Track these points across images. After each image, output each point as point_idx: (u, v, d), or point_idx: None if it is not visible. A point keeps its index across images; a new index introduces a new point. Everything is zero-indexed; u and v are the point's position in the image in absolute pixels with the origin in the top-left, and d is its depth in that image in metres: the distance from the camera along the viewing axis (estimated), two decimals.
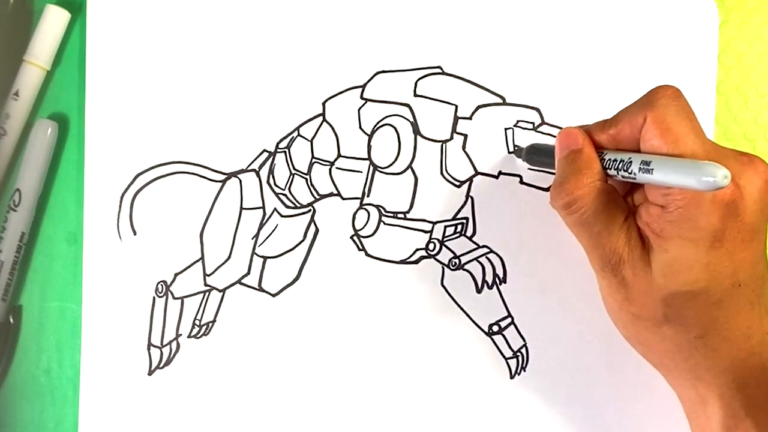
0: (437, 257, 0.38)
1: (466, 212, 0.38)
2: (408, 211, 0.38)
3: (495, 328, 0.38)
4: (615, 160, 0.29)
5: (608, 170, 0.29)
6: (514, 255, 0.38)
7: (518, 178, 0.38)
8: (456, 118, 0.38)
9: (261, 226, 0.40)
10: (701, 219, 0.26)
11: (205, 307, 0.40)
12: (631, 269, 0.29)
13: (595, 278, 0.32)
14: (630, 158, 0.28)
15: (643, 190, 0.30)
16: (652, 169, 0.27)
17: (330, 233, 0.39)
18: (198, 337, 0.40)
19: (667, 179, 0.26)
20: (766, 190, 0.27)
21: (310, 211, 0.39)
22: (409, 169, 0.38)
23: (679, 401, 0.32)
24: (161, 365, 0.40)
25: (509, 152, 0.38)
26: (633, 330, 0.31)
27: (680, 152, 0.27)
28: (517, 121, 0.38)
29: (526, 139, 0.38)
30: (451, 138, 0.38)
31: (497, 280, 0.38)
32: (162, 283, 0.40)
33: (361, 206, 0.39)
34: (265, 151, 0.40)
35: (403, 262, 0.39)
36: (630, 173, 0.28)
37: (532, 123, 0.38)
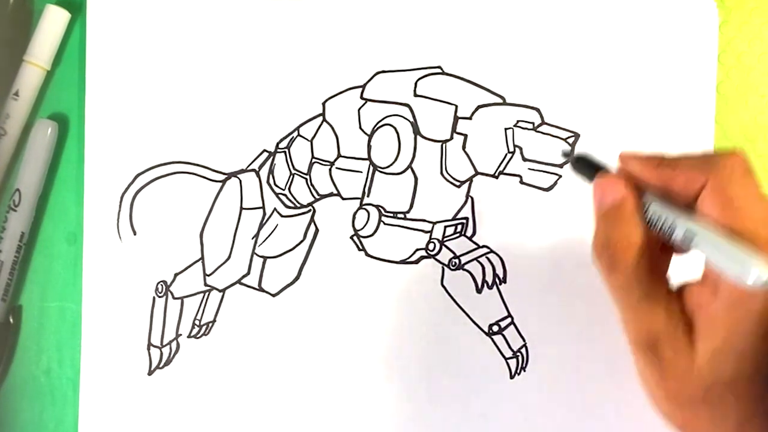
0: (437, 257, 0.38)
1: (466, 212, 0.38)
2: (408, 211, 0.38)
3: (495, 328, 0.38)
4: (659, 218, 0.26)
5: (650, 225, 0.26)
6: (514, 255, 0.38)
7: (518, 178, 0.38)
8: (456, 118, 0.38)
9: (261, 226, 0.40)
10: (755, 308, 0.24)
11: (205, 307, 0.40)
12: (672, 350, 0.26)
13: (611, 305, 0.29)
14: (674, 224, 0.25)
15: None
16: (697, 243, 0.24)
17: (330, 233, 0.39)
18: (198, 337, 0.40)
19: (711, 257, 0.24)
20: None
21: (310, 211, 0.39)
22: (409, 169, 0.38)
23: None
24: (161, 365, 0.40)
25: (563, 156, 0.36)
26: (668, 406, 0.28)
27: (736, 230, 0.24)
28: (517, 121, 0.38)
29: (526, 139, 0.38)
30: (451, 138, 0.38)
31: (497, 280, 0.38)
32: (162, 283, 0.40)
33: (361, 206, 0.39)
34: (265, 151, 0.40)
35: (403, 262, 0.39)
36: (670, 236, 0.25)
37: (532, 123, 0.38)
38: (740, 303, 0.24)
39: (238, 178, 0.40)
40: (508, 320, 0.38)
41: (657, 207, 0.26)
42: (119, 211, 0.40)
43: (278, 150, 0.39)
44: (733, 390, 0.26)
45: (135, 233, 0.40)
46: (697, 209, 0.26)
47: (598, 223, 0.28)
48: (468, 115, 0.38)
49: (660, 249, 0.28)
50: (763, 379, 0.26)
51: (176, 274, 0.40)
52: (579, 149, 0.30)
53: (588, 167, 0.30)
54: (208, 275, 0.40)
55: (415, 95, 0.38)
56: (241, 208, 0.40)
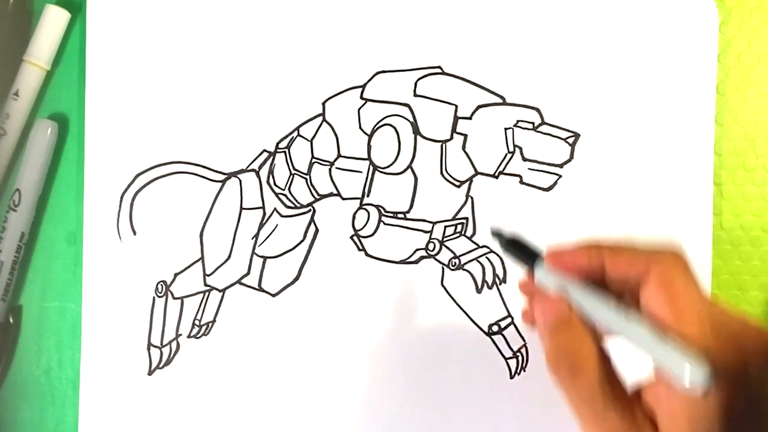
0: (437, 257, 0.38)
1: (466, 212, 0.38)
2: (408, 211, 0.38)
3: (495, 328, 0.38)
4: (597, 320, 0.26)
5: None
6: None
7: (518, 178, 0.38)
8: (456, 118, 0.38)
9: (261, 226, 0.40)
10: (715, 399, 0.24)
11: (204, 307, 0.40)
12: None
13: None
14: (612, 323, 0.25)
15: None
16: (639, 345, 0.24)
17: (330, 233, 0.39)
18: (198, 337, 0.40)
19: (654, 357, 0.24)
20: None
21: (310, 211, 0.39)
22: (409, 169, 0.38)
23: None
24: (161, 365, 0.40)
25: (493, 236, 0.32)
26: None
27: (682, 326, 0.24)
28: (517, 121, 0.38)
29: (526, 139, 0.38)
30: (451, 138, 0.38)
31: (497, 280, 0.38)
32: (162, 283, 0.40)
33: (361, 206, 0.39)
34: (265, 151, 0.40)
35: (403, 262, 0.39)
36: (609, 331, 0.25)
37: (532, 123, 0.38)
38: (697, 399, 0.24)
39: (238, 178, 0.40)
40: (508, 320, 0.38)
41: (593, 306, 0.26)
42: (119, 211, 0.40)
43: (278, 150, 0.39)
44: None
45: (135, 233, 0.40)
46: (641, 301, 0.25)
47: (548, 339, 0.27)
48: (468, 115, 0.38)
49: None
50: None
51: (176, 274, 0.40)
52: (509, 231, 0.30)
53: (521, 251, 0.29)
54: (208, 275, 0.40)
55: (415, 95, 0.38)
56: (241, 208, 0.40)
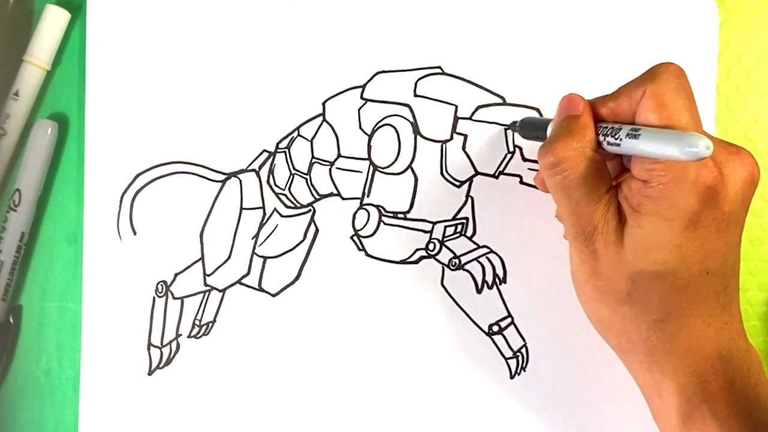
0: (437, 257, 0.38)
1: (466, 212, 0.38)
2: (408, 211, 0.38)
3: (495, 328, 0.38)
4: (605, 127, 0.28)
5: (598, 137, 0.29)
6: (514, 255, 0.38)
7: (518, 178, 0.38)
8: (456, 118, 0.38)
9: (261, 226, 0.40)
10: (680, 199, 0.26)
11: (205, 307, 0.40)
12: (604, 242, 0.28)
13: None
14: (620, 127, 0.28)
15: (630, 168, 0.30)
16: (639, 135, 0.26)
17: (330, 233, 0.39)
18: (198, 337, 0.40)
19: (651, 148, 0.26)
20: (749, 182, 0.27)
21: (310, 211, 0.39)
22: (409, 169, 0.38)
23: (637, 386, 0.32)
24: (161, 365, 0.40)
25: (506, 129, 0.38)
26: (595, 305, 0.30)
27: (671, 127, 0.27)
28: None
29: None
30: (451, 138, 0.38)
31: (497, 280, 0.38)
32: (162, 283, 0.40)
33: (361, 206, 0.39)
34: (265, 151, 0.40)
35: (403, 262, 0.39)
36: (617, 139, 0.27)
37: None
38: (666, 194, 0.26)
39: (238, 178, 0.40)
40: (508, 320, 0.38)
41: (605, 124, 0.29)
42: (119, 211, 0.40)
43: (278, 150, 0.39)
44: (657, 284, 0.28)
45: (135, 233, 0.40)
46: (637, 115, 0.28)
47: (552, 127, 0.31)
48: (468, 115, 0.38)
49: (608, 161, 0.30)
50: (687, 274, 0.27)
51: (176, 274, 0.40)
52: (521, 119, 0.36)
53: (535, 128, 0.33)
54: (208, 275, 0.40)
55: (415, 95, 0.38)
56: (241, 208, 0.40)
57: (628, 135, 0.27)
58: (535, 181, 0.36)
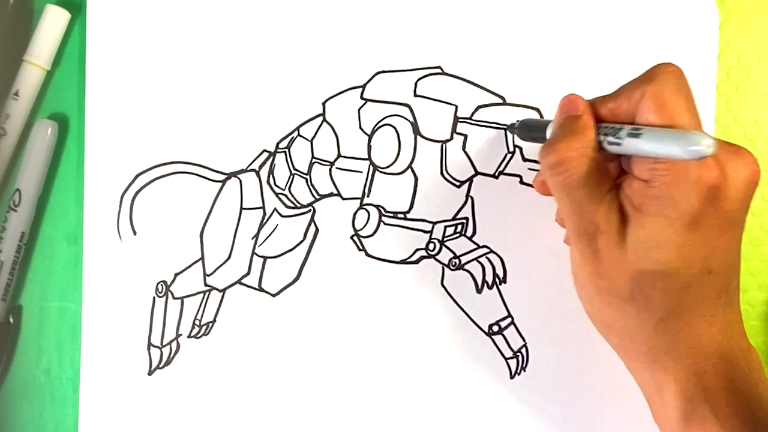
0: (437, 257, 0.38)
1: (466, 212, 0.38)
2: (408, 211, 0.38)
3: (495, 328, 0.38)
4: (606, 127, 0.28)
5: (599, 137, 0.29)
6: (514, 255, 0.38)
7: (518, 178, 0.38)
8: (456, 118, 0.38)
9: (261, 226, 0.40)
10: (682, 198, 0.26)
11: (205, 307, 0.40)
12: (606, 241, 0.28)
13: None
14: (621, 126, 0.28)
15: (631, 168, 0.30)
16: (640, 134, 0.26)
17: (330, 233, 0.39)
18: (198, 337, 0.40)
19: (653, 147, 0.25)
20: (751, 181, 0.27)
21: (310, 211, 0.39)
22: (409, 169, 0.38)
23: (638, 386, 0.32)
24: (161, 365, 0.40)
25: (505, 130, 0.38)
26: (597, 305, 0.30)
27: (672, 127, 0.26)
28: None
29: None
30: (451, 138, 0.38)
31: (497, 280, 0.38)
32: (162, 283, 0.40)
33: (361, 206, 0.39)
34: (265, 151, 0.40)
35: (403, 262, 0.39)
36: (618, 139, 0.27)
37: None
38: (667, 193, 0.27)
39: (238, 178, 0.40)
40: (508, 320, 0.38)
41: (606, 124, 0.29)
42: (119, 211, 0.40)
43: (278, 150, 0.39)
44: (659, 283, 0.28)
45: (135, 233, 0.40)
46: (637, 115, 0.28)
47: (553, 127, 0.30)
48: (468, 115, 0.38)
49: (608, 162, 0.30)
50: (689, 273, 0.27)
51: (176, 274, 0.40)
52: (519, 121, 0.36)
53: (534, 129, 0.33)
54: (208, 275, 0.40)
55: (415, 95, 0.38)
56: (241, 208, 0.40)
57: (629, 134, 0.27)
58: (534, 183, 0.36)
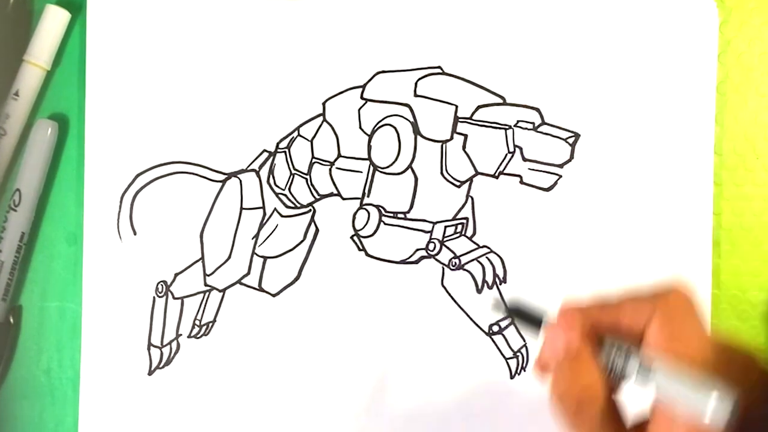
0: (437, 257, 0.38)
1: (466, 212, 0.38)
2: (408, 211, 0.38)
3: (495, 328, 0.38)
4: (611, 347, 0.26)
5: (602, 355, 0.26)
6: (514, 255, 0.38)
7: (518, 178, 0.38)
8: (456, 118, 0.38)
9: (261, 226, 0.40)
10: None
11: (205, 307, 0.40)
12: None
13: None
14: (628, 363, 0.25)
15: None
16: (650, 375, 0.24)
17: (330, 233, 0.39)
18: (198, 337, 0.40)
19: (668, 396, 0.24)
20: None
21: (310, 211, 0.39)
22: (409, 169, 0.38)
23: None
24: (161, 365, 0.40)
25: (494, 309, 0.37)
26: None
27: (684, 363, 0.24)
28: (517, 121, 0.38)
29: (526, 139, 0.38)
30: (451, 138, 0.38)
31: (497, 280, 0.38)
32: (162, 283, 0.40)
33: (361, 206, 0.39)
34: (265, 151, 0.40)
35: (403, 262, 0.39)
36: (623, 377, 0.25)
37: (532, 123, 0.38)
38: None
39: (238, 178, 0.40)
40: (508, 320, 0.38)
41: (609, 349, 0.26)
42: (119, 211, 0.40)
43: (278, 150, 0.39)
44: None
45: (135, 233, 0.40)
46: (645, 342, 0.26)
47: (557, 371, 0.27)
48: (468, 115, 0.38)
49: (614, 390, 0.27)
50: None
51: (176, 274, 0.40)
52: (513, 299, 0.31)
53: (527, 317, 0.29)
54: (208, 275, 0.40)
55: (416, 95, 0.38)
56: (241, 208, 0.40)
57: (639, 377, 0.25)
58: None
